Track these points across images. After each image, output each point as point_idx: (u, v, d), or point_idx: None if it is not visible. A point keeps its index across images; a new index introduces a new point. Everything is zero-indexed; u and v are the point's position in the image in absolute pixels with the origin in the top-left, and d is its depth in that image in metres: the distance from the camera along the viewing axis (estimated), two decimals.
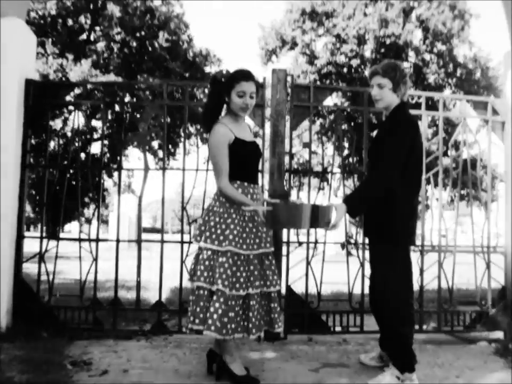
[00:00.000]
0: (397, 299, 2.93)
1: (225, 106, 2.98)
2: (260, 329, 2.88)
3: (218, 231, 2.83)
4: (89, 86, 15.49)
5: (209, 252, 2.84)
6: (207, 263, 2.83)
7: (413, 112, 3.61)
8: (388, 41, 22.57)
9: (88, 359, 3.25)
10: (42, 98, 4.05)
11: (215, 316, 2.71)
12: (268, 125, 4.08)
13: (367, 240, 4.04)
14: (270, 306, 2.94)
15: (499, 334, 4.13)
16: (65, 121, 19.86)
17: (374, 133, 3.20)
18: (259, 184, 3.08)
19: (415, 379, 2.89)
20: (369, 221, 3.10)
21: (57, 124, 18.34)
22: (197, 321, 2.81)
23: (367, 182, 3.05)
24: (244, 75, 2.88)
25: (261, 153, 3.14)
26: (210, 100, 2.96)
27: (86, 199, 22.12)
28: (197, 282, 2.84)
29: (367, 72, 3.41)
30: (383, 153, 2.89)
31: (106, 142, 21.40)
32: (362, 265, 4.01)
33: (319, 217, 2.71)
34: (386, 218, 2.92)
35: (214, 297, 2.76)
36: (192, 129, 24.10)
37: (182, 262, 3.91)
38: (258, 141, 3.29)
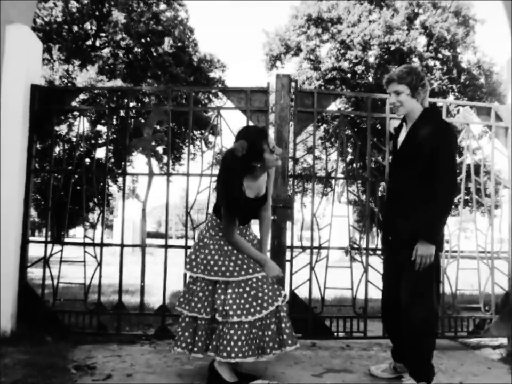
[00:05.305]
0: (429, 308, 2.85)
1: None
2: (277, 348, 2.88)
3: (212, 262, 2.86)
4: (94, 92, 15.72)
5: (203, 283, 2.90)
6: (200, 294, 2.89)
7: None
8: (392, 48, 22.63)
9: (92, 364, 3.25)
10: (47, 104, 4.08)
11: (232, 343, 2.71)
12: (271, 131, 4.10)
13: (371, 245, 4.07)
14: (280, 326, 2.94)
15: (503, 340, 4.12)
16: (70, 127, 19.97)
17: (400, 139, 3.03)
18: (250, 224, 3.12)
19: None
20: (407, 224, 2.90)
21: (62, 129, 18.44)
22: (183, 344, 2.90)
23: (439, 207, 2.80)
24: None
25: (263, 203, 3.08)
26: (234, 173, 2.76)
27: (91, 204, 22.17)
28: (192, 313, 2.88)
29: (384, 80, 3.28)
30: (438, 170, 2.77)
31: (111, 147, 21.54)
32: (366, 270, 4.00)
33: None
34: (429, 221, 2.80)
35: (231, 326, 2.74)
36: (196, 134, 24.23)
37: None
38: None
